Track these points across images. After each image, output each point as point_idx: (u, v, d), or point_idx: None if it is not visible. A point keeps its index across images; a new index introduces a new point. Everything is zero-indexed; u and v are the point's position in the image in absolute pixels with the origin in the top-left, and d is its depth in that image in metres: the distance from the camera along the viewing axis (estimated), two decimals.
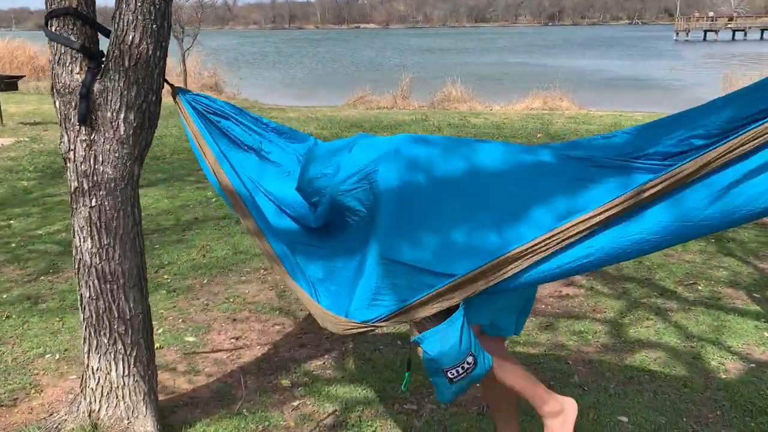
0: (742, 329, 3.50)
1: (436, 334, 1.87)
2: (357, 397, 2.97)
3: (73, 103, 2.33)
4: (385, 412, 2.84)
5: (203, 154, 2.38)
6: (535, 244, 1.81)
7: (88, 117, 2.31)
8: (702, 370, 3.11)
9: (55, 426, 2.55)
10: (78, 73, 2.34)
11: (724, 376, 3.05)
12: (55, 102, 2.39)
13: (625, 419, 2.73)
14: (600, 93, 17.75)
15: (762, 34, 53.43)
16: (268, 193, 2.43)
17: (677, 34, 54.48)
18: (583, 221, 1.77)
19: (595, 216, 1.75)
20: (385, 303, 1.94)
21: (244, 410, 2.88)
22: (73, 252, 2.47)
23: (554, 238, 1.80)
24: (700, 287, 4.10)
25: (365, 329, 2.00)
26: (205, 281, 4.37)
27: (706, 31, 55.11)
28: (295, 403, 2.93)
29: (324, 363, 3.30)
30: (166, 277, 4.39)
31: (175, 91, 2.45)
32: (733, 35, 54.53)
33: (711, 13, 59.57)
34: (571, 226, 1.78)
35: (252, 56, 38.17)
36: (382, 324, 1.97)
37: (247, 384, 3.10)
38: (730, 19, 57.79)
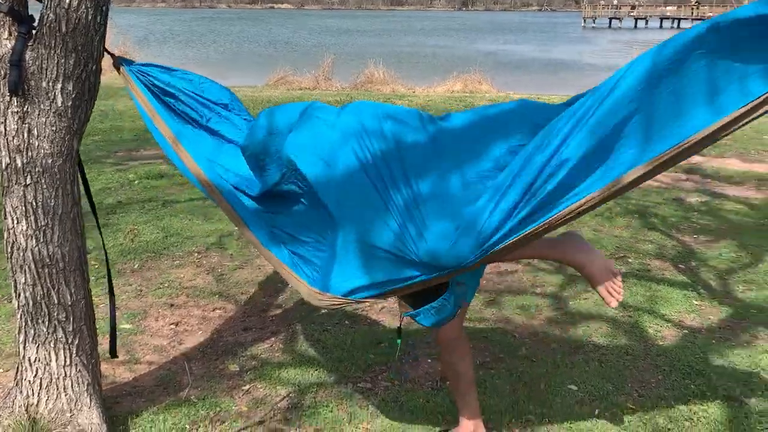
0: (672, 298, 3.67)
1: (431, 310, 1.84)
2: (309, 378, 2.91)
3: (2, 72, 2.12)
4: (340, 392, 2.80)
5: (161, 133, 2.21)
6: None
7: (20, 87, 2.12)
8: (641, 338, 3.24)
9: None
10: (6, 39, 2.13)
11: (661, 343, 3.19)
12: None
13: (574, 387, 2.81)
14: (516, 76, 18.17)
15: (661, 23, 56.22)
16: (225, 170, 2.30)
17: (585, 21, 56.55)
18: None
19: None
20: (371, 278, 1.86)
21: (192, 397, 2.76)
22: (5, 235, 2.27)
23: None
24: (630, 260, 4.27)
25: (348, 303, 1.94)
26: (136, 266, 4.16)
27: (611, 19, 57.52)
28: (246, 387, 2.84)
29: (271, 346, 3.22)
30: (93, 263, 4.14)
31: (118, 62, 2.27)
32: (636, 23, 57.16)
33: (615, 1, 62.05)
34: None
35: (162, 35, 36.55)
36: (370, 300, 1.91)
37: (193, 370, 2.98)
38: (633, 7, 60.44)
